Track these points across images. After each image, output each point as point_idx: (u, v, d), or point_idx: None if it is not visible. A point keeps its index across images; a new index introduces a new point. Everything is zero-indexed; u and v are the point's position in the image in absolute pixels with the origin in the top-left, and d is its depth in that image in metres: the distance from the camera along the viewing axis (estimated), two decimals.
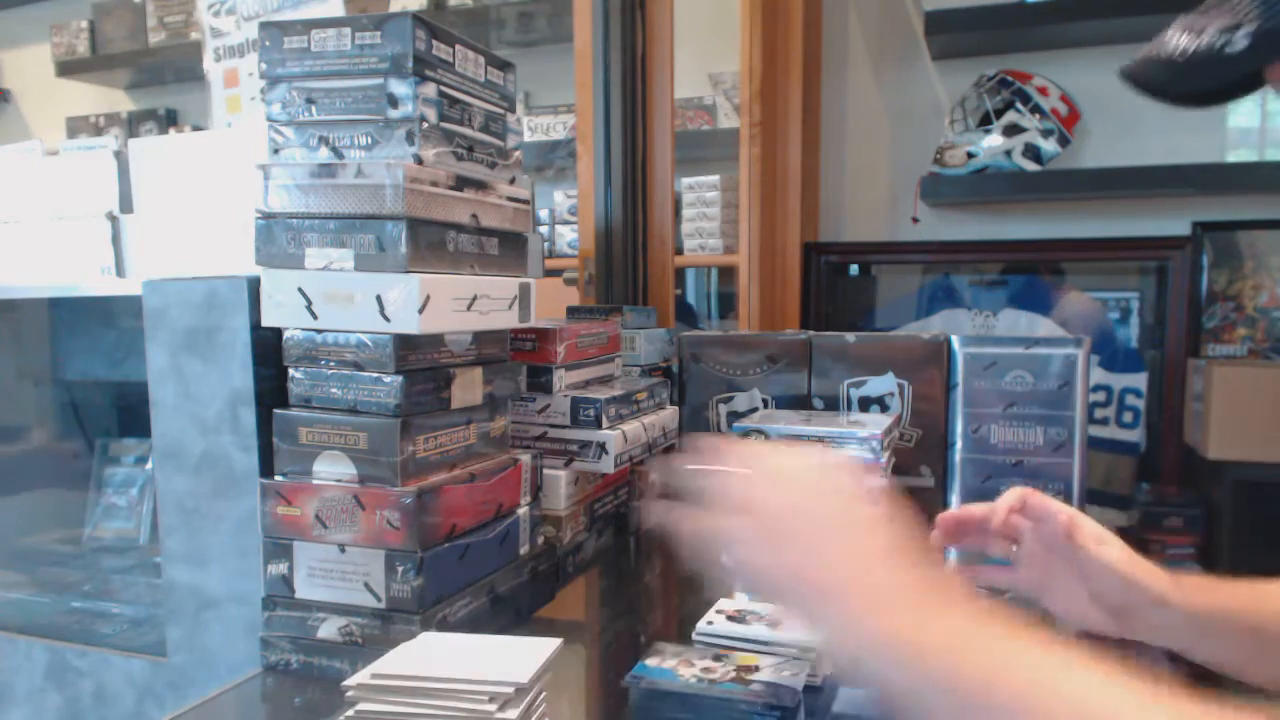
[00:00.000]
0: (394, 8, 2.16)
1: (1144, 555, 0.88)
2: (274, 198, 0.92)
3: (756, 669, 0.80)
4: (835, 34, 2.32)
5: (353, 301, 0.90)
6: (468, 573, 0.98)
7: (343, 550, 0.92)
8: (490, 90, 1.03)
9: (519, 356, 1.19)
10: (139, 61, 2.84)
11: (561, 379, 1.24)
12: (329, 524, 0.92)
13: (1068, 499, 1.29)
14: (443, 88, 0.94)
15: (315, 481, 0.93)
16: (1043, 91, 1.94)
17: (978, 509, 0.93)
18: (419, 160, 0.91)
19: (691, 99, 2.48)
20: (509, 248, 1.06)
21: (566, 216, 2.54)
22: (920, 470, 1.37)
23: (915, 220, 2.24)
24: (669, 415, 1.43)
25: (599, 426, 1.22)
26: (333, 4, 1.19)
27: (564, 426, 1.23)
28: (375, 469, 0.91)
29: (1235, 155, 1.73)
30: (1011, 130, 1.94)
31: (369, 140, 0.92)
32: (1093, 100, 1.99)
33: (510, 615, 1.05)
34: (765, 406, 1.46)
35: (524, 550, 1.10)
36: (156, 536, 1.11)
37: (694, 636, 0.92)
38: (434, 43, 0.93)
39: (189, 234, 1.17)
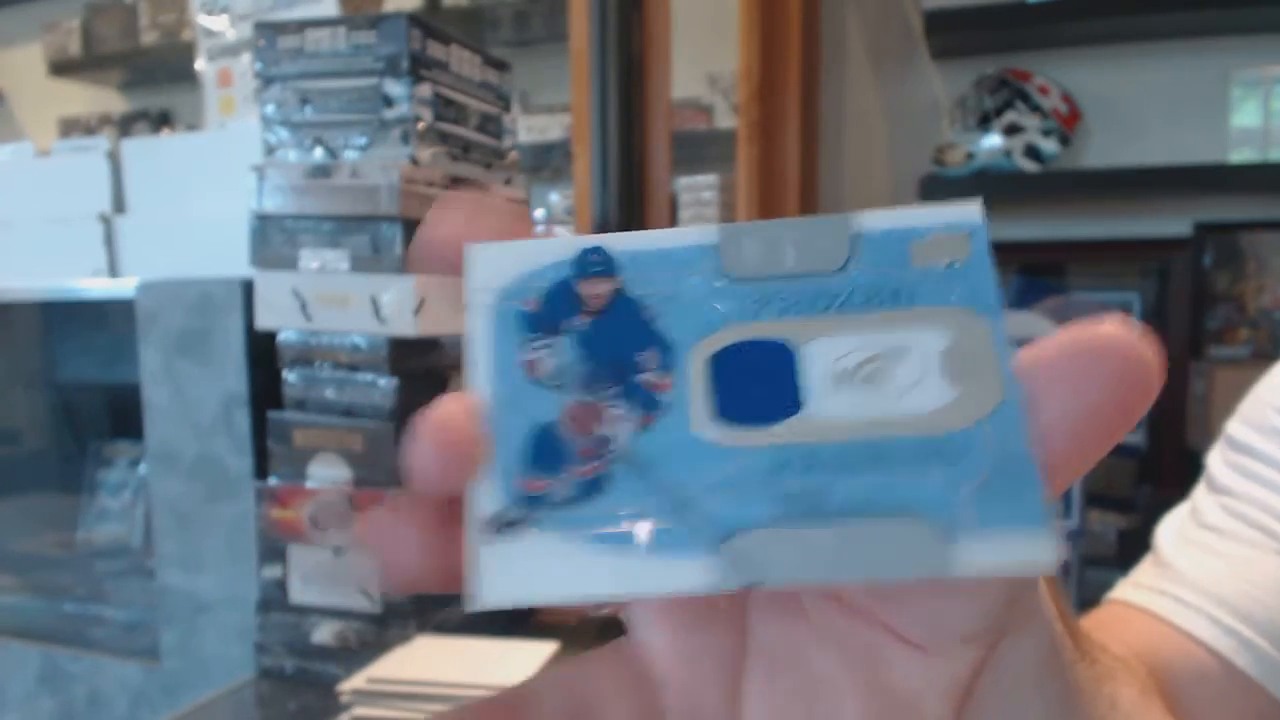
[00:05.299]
0: (388, 7, 2.15)
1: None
2: (268, 199, 0.92)
3: None
4: (834, 33, 2.32)
5: (347, 303, 0.89)
6: None
7: (337, 554, 0.91)
8: (486, 90, 1.03)
9: None
10: (131, 61, 2.83)
11: None
12: (323, 527, 0.91)
13: (1068, 502, 1.28)
14: (438, 88, 0.93)
15: (310, 484, 0.92)
16: (1043, 91, 1.93)
17: None
18: (414, 161, 0.90)
19: (689, 99, 2.47)
20: None
21: (563, 217, 2.54)
22: None
23: None
24: None
25: None
26: (327, 3, 1.18)
27: None
28: (370, 471, 0.90)
29: (1238, 156, 1.72)
30: (1011, 130, 1.94)
31: (364, 141, 0.91)
32: (1094, 100, 1.98)
33: (507, 620, 1.05)
34: None
35: None
36: (150, 540, 1.10)
37: None
38: (429, 42, 0.92)
39: (183, 235, 1.16)
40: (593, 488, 0.19)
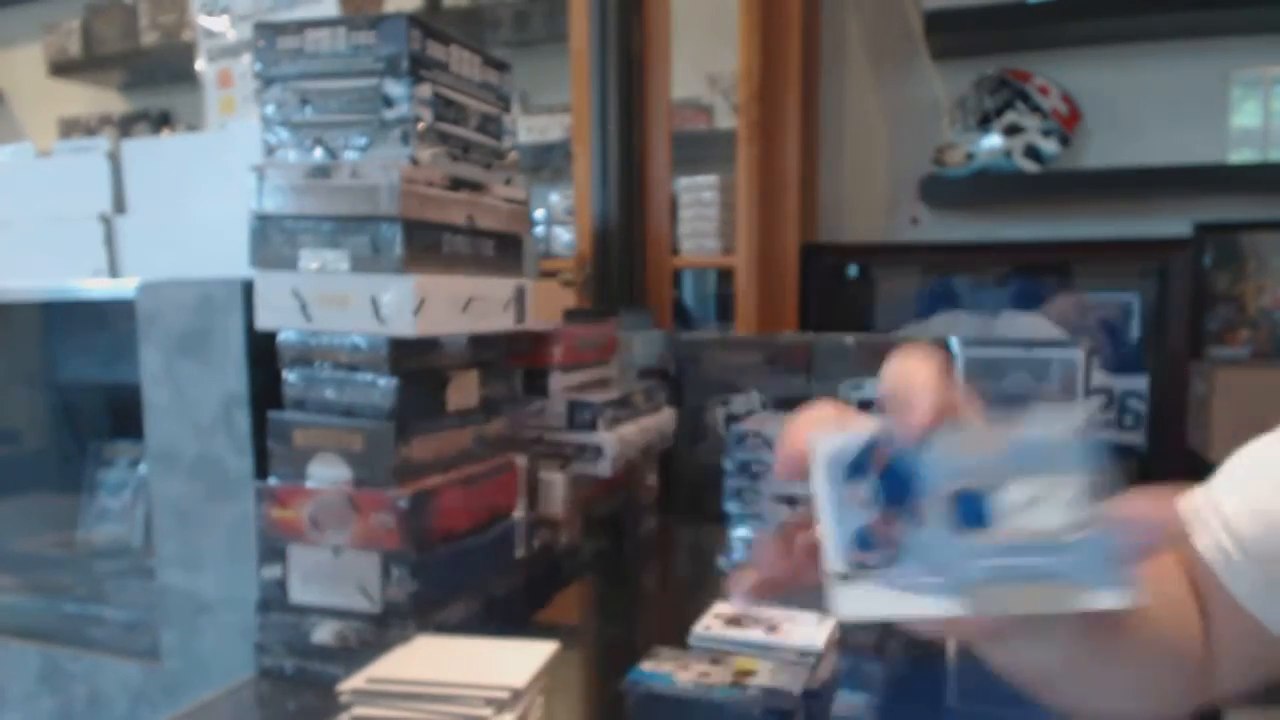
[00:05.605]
0: (389, 7, 2.15)
1: None
2: (268, 199, 0.92)
3: (754, 673, 0.79)
4: (834, 34, 2.32)
5: (347, 303, 0.89)
6: (463, 576, 0.97)
7: (337, 554, 0.91)
8: (486, 91, 1.03)
9: (515, 359, 1.18)
10: (132, 62, 2.83)
11: (558, 382, 1.24)
12: (323, 527, 0.91)
13: None
14: (438, 88, 0.93)
15: (309, 484, 0.92)
16: (1043, 91, 1.93)
17: None
18: (414, 161, 0.90)
19: (689, 99, 2.47)
20: (505, 249, 1.06)
21: (563, 217, 2.54)
22: None
23: (915, 221, 2.24)
24: (666, 418, 1.43)
25: (596, 430, 1.21)
26: (327, 4, 1.18)
27: (561, 430, 1.22)
28: (370, 472, 0.90)
29: (1238, 156, 1.72)
30: (1011, 130, 1.94)
31: (364, 141, 0.91)
32: (1094, 100, 1.98)
33: (506, 619, 1.05)
34: (764, 408, 1.46)
35: (520, 554, 1.09)
36: (150, 540, 1.10)
37: (691, 640, 0.91)
38: (429, 43, 0.92)
39: (182, 236, 1.16)
40: (893, 560, 0.42)
